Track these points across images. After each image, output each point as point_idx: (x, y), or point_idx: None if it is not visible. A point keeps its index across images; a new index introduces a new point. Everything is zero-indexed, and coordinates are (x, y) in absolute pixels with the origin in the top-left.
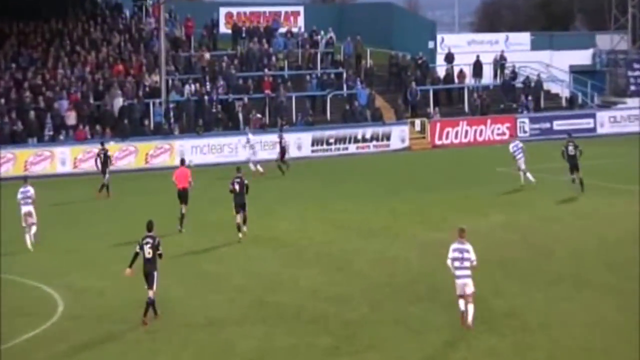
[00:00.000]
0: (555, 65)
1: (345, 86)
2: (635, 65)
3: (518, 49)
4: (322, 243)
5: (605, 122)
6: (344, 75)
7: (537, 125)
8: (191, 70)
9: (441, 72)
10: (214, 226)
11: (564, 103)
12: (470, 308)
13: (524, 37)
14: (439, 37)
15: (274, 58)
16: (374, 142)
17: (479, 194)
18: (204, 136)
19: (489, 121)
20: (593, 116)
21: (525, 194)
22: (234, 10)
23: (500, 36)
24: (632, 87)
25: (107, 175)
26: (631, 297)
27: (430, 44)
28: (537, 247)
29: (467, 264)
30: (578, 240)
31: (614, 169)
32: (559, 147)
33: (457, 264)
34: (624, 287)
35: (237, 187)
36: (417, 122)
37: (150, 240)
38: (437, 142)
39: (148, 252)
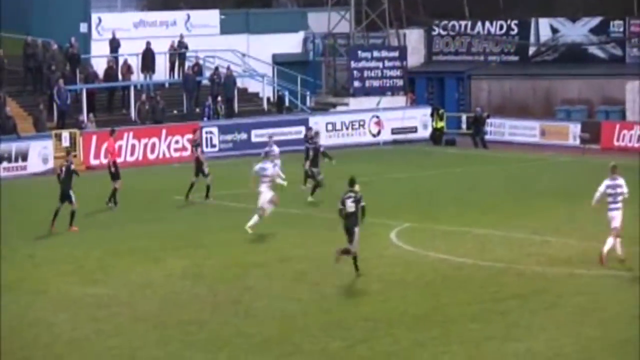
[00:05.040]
0: (254, 54)
1: None
2: (361, 54)
3: (204, 33)
4: None
5: (322, 130)
6: None
7: (229, 137)
8: None
9: (99, 65)
10: None
11: (265, 106)
12: (618, 241)
13: (212, 17)
14: (94, 17)
15: None
16: (5, 164)
17: (150, 232)
18: None
19: (164, 132)
20: (305, 123)
21: (214, 232)
22: None
23: (179, 15)
24: (356, 84)
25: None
26: None
27: (83, 27)
28: (231, 302)
29: (619, 198)
30: (286, 293)
31: (332, 195)
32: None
33: (610, 199)
34: (345, 355)
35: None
36: (66, 134)
37: None
38: (94, 162)
39: None
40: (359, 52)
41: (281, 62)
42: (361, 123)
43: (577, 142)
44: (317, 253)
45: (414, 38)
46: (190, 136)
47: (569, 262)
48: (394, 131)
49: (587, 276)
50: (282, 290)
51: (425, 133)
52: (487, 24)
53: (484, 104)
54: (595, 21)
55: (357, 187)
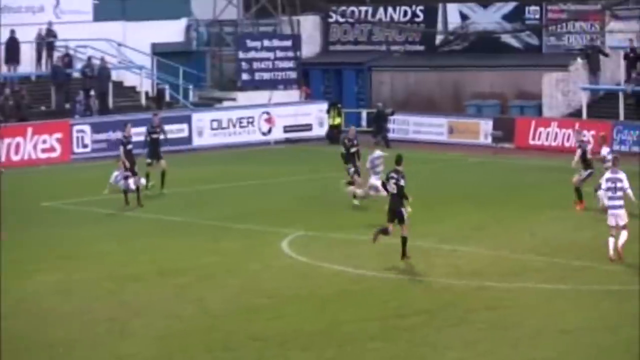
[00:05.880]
0: (130, 44)
1: None
2: (250, 44)
3: (75, 20)
4: None
5: (206, 128)
6: None
7: (103, 136)
8: None
9: None
10: None
11: (143, 101)
12: (624, 234)
13: (84, 2)
14: None
15: None
16: None
17: (17, 242)
18: None
19: (29, 131)
20: (187, 120)
21: (87, 242)
22: None
23: (47, 0)
24: (244, 76)
25: None
26: None
27: None
28: (105, 320)
29: (620, 193)
30: (166, 309)
31: (225, 201)
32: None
33: (610, 194)
34: None
35: None
36: None
37: None
38: None
39: None
40: (248, 41)
41: (161, 53)
42: (250, 120)
43: (489, 140)
44: (200, 265)
45: (309, 25)
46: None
47: (478, 274)
48: (287, 129)
49: (498, 289)
50: (162, 306)
51: (321, 131)
52: (390, 10)
53: (386, 99)
54: (509, 7)
55: (401, 167)
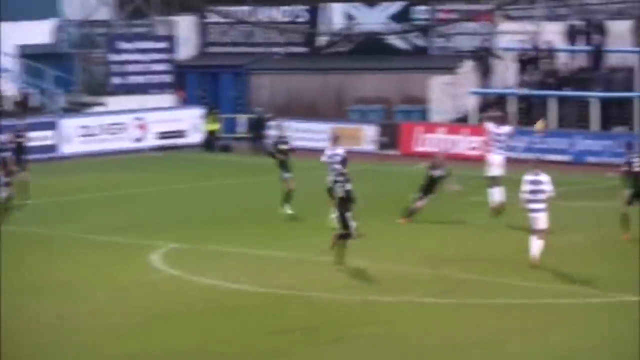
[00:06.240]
0: None
1: None
2: (122, 45)
3: None
4: None
5: (74, 135)
6: None
7: None
8: None
9: None
10: None
11: (8, 106)
12: (540, 243)
13: None
14: None
15: None
16: None
17: None
18: None
19: None
20: (54, 126)
21: None
22: None
23: None
24: (116, 80)
25: None
26: None
27: None
28: None
29: (541, 196)
30: (29, 326)
31: (95, 211)
32: None
33: (531, 197)
34: None
35: None
36: None
37: None
38: None
39: None
40: (120, 42)
41: (28, 55)
42: (121, 126)
43: (373, 147)
44: (66, 280)
45: (185, 26)
46: None
47: (361, 287)
48: (161, 135)
49: (381, 303)
50: (24, 323)
51: (196, 137)
52: (272, 10)
53: (266, 104)
54: (396, 6)
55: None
